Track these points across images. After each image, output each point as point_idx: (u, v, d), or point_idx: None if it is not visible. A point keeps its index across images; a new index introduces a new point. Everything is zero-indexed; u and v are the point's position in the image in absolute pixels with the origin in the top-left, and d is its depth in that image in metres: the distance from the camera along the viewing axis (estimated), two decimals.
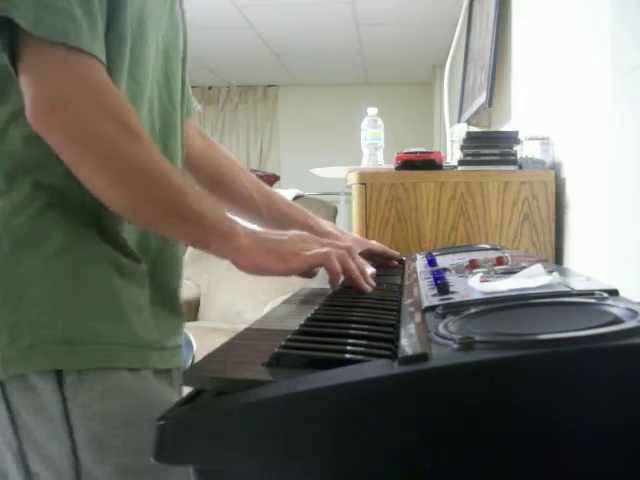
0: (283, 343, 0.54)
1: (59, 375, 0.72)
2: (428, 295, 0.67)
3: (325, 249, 0.80)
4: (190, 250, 0.95)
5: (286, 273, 0.78)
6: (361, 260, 0.94)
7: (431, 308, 0.60)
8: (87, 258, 0.75)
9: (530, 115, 2.15)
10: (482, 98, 2.56)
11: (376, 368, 0.44)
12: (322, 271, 0.82)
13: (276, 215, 1.10)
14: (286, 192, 3.60)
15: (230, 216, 0.78)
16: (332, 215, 3.60)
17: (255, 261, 0.76)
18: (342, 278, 0.83)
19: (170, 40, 0.88)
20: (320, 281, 0.89)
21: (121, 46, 0.76)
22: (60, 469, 0.73)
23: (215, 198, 1.11)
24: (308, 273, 0.81)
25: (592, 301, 0.54)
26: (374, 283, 0.84)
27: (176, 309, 0.88)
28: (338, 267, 0.79)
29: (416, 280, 0.83)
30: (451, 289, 0.67)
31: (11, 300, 0.72)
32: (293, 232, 0.82)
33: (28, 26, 0.67)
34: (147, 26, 0.80)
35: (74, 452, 0.72)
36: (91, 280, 0.75)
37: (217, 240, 0.75)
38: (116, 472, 0.73)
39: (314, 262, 0.79)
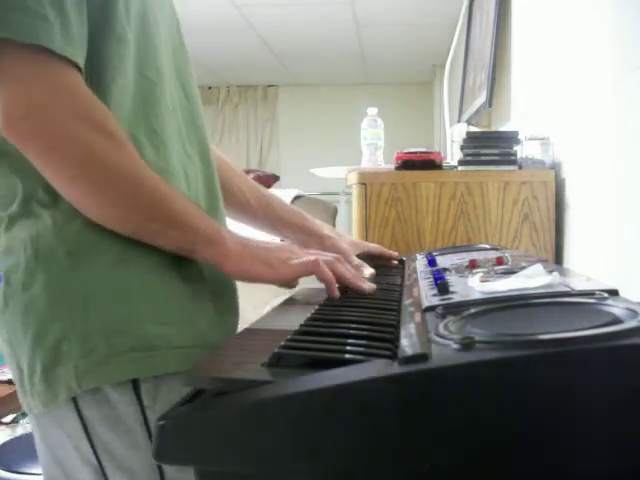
0: (283, 343, 0.54)
1: (135, 384, 0.70)
2: (428, 295, 0.67)
3: (313, 257, 0.79)
4: None
5: (274, 281, 0.77)
6: (358, 261, 0.94)
7: (431, 308, 0.60)
8: (147, 262, 0.74)
9: (530, 115, 2.15)
10: (482, 98, 2.56)
11: (376, 368, 0.44)
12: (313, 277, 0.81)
13: (273, 218, 1.09)
14: (286, 192, 3.59)
15: (215, 221, 0.77)
16: (332, 215, 3.60)
17: (242, 267, 0.75)
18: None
19: (173, 34, 0.86)
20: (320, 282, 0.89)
21: (121, 46, 0.74)
22: None
23: None
24: (290, 284, 0.79)
25: (592, 301, 0.54)
26: (373, 285, 0.83)
27: (233, 306, 0.86)
28: (329, 273, 0.78)
29: (416, 280, 0.83)
30: (451, 289, 0.67)
31: (78, 311, 0.70)
32: (281, 243, 0.82)
33: None
34: (152, 22, 0.79)
35: (156, 463, 0.70)
36: (154, 284, 0.74)
37: (204, 245, 0.74)
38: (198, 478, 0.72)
39: (302, 270, 0.77)
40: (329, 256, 0.81)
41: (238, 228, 0.84)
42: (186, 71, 0.88)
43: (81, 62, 0.69)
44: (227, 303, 0.84)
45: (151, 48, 0.79)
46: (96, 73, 0.72)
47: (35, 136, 0.67)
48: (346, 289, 0.81)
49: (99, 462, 0.71)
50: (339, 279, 0.80)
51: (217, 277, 0.81)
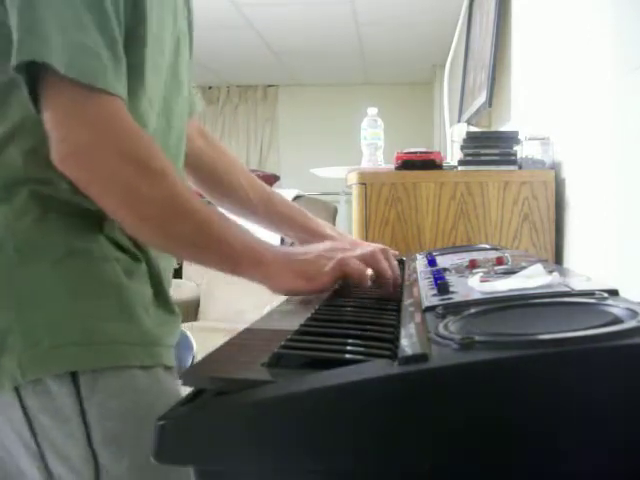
0: (283, 343, 0.54)
1: (74, 376, 0.73)
2: (428, 295, 0.67)
3: (339, 255, 0.82)
4: None
5: (315, 291, 0.80)
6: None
7: (431, 308, 0.60)
8: (94, 259, 0.77)
9: (530, 115, 2.15)
10: (482, 98, 2.56)
11: (376, 368, 0.44)
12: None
13: (274, 215, 1.09)
14: (286, 192, 3.60)
15: (257, 238, 0.80)
16: (332, 215, 3.60)
17: (285, 285, 0.79)
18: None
19: (178, 43, 0.91)
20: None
21: (137, 73, 0.78)
22: (79, 469, 0.74)
23: (215, 198, 1.11)
24: (328, 290, 0.83)
25: (592, 301, 0.54)
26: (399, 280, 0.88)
27: (172, 306, 0.89)
28: (358, 267, 0.81)
29: (416, 280, 0.83)
30: (451, 289, 0.67)
31: (24, 305, 0.73)
32: (322, 247, 0.85)
33: (62, 68, 0.68)
34: (162, 39, 0.83)
35: (92, 451, 0.74)
36: (100, 281, 0.77)
37: (246, 267, 0.78)
38: (134, 468, 0.74)
39: (337, 275, 0.80)
40: (367, 251, 0.86)
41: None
42: (183, 78, 0.94)
43: (125, 97, 0.74)
44: (167, 301, 0.87)
45: (159, 80, 0.84)
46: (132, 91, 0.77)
47: (83, 172, 0.72)
48: (345, 289, 0.82)
49: (39, 448, 0.74)
50: (378, 274, 0.84)
51: (157, 275, 0.84)
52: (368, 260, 0.84)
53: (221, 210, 1.14)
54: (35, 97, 0.71)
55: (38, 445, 0.74)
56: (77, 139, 0.71)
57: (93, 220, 0.77)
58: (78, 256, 0.76)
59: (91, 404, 0.73)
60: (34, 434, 0.74)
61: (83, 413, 0.73)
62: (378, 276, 0.84)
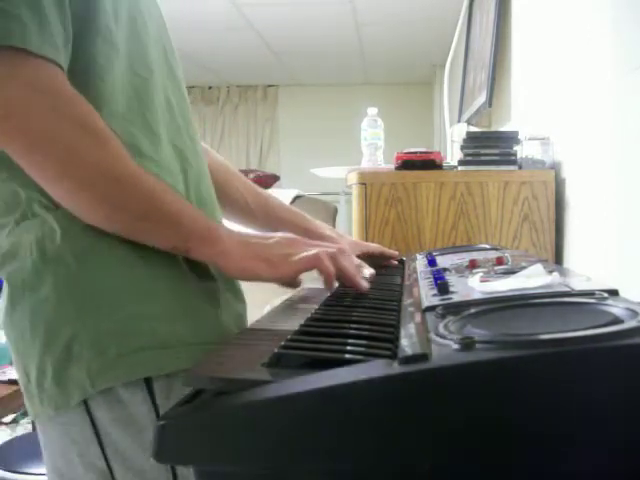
0: (283, 343, 0.54)
1: (147, 383, 0.70)
2: (428, 295, 0.67)
3: (314, 250, 0.76)
4: None
5: (275, 280, 0.75)
6: (358, 260, 0.93)
7: (431, 308, 0.60)
8: (155, 258, 0.73)
9: (530, 115, 2.15)
10: (482, 98, 2.56)
11: (376, 368, 0.44)
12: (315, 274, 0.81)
13: (272, 219, 1.09)
14: (286, 192, 3.59)
15: (211, 219, 0.76)
16: (332, 215, 3.60)
17: (242, 266, 0.73)
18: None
19: (163, 34, 0.86)
20: (320, 281, 0.89)
21: (106, 45, 0.74)
22: None
23: None
24: (294, 282, 0.78)
25: (592, 301, 0.54)
26: (367, 284, 0.82)
27: (240, 293, 0.84)
28: (331, 267, 0.76)
29: (416, 280, 0.83)
30: (451, 289, 0.67)
31: (88, 311, 0.70)
32: (280, 234, 0.79)
33: None
34: (140, 23, 0.79)
35: None
36: (163, 281, 0.73)
37: (198, 244, 0.72)
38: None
39: (304, 266, 0.75)
40: (333, 248, 0.79)
41: (236, 228, 0.83)
42: (178, 71, 0.88)
43: (61, 60, 0.69)
44: (235, 293, 0.83)
45: (141, 47, 0.79)
46: (83, 72, 0.72)
47: (16, 136, 0.66)
48: (346, 289, 0.81)
49: (108, 465, 0.71)
50: (340, 272, 0.78)
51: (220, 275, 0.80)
52: (331, 258, 0.78)
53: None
54: None
55: (107, 461, 0.70)
56: (8, 103, 0.65)
57: None
58: (138, 257, 0.72)
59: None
60: (103, 449, 0.70)
61: None
62: (339, 275, 0.78)
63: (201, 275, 0.77)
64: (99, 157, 0.68)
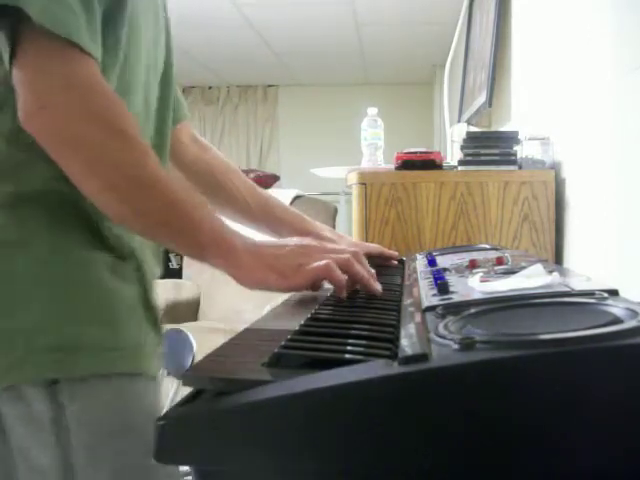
0: (283, 343, 0.54)
1: (52, 383, 0.69)
2: (428, 295, 0.67)
3: (324, 261, 0.76)
4: None
5: (287, 290, 0.76)
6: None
7: (431, 308, 0.60)
8: (77, 259, 0.73)
9: (530, 115, 2.15)
10: (482, 98, 2.56)
11: (376, 368, 0.44)
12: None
13: (271, 219, 1.09)
14: (286, 192, 3.60)
15: (229, 227, 0.76)
16: (332, 215, 3.60)
17: (254, 277, 0.73)
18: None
19: (151, 42, 0.85)
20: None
21: (116, 47, 0.74)
22: None
23: (212, 204, 1.09)
24: (313, 287, 0.77)
25: (592, 301, 0.54)
26: (380, 287, 0.81)
27: (157, 312, 0.84)
28: (341, 277, 0.75)
29: (416, 280, 0.83)
30: (451, 289, 0.67)
31: (3, 308, 0.70)
32: (294, 242, 0.79)
33: (35, 15, 0.64)
34: (137, 26, 0.79)
35: (67, 461, 0.70)
36: (83, 282, 0.73)
37: (214, 253, 0.73)
38: (111, 479, 0.71)
39: (315, 277, 0.75)
40: (345, 255, 0.79)
41: (237, 229, 0.83)
42: (153, 86, 0.87)
43: (99, 58, 0.70)
44: (153, 304, 0.83)
45: (132, 58, 0.79)
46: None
47: (50, 131, 0.67)
48: (356, 291, 0.81)
49: (12, 459, 0.71)
50: (354, 278, 0.78)
51: (145, 276, 0.80)
52: (342, 266, 0.77)
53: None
54: (13, 55, 0.66)
55: (12, 456, 0.71)
56: (47, 95, 0.66)
57: (78, 216, 0.73)
58: (58, 255, 0.72)
59: (69, 413, 0.69)
60: (8, 444, 0.71)
61: (59, 422, 0.69)
62: (354, 281, 0.78)
63: (123, 279, 0.76)
64: (125, 160, 0.69)
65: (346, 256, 0.78)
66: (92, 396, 0.71)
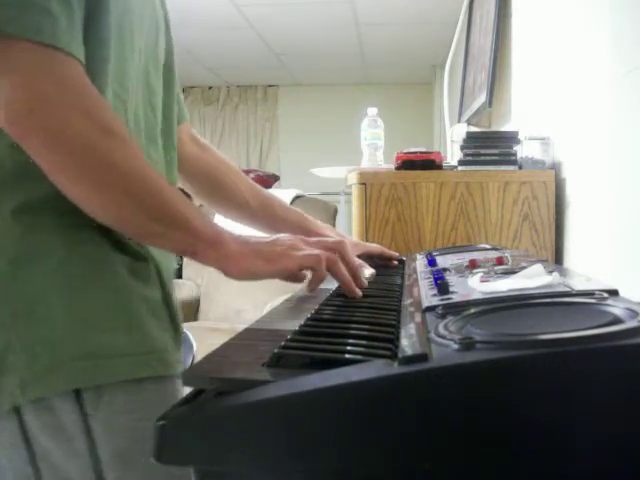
0: (283, 343, 0.54)
1: (78, 392, 0.69)
2: (428, 295, 0.67)
3: (316, 251, 0.77)
4: None
5: (274, 274, 0.76)
6: (358, 261, 0.93)
7: (431, 308, 0.60)
8: (93, 265, 0.72)
9: (530, 115, 2.15)
10: (482, 98, 2.56)
11: (376, 368, 0.44)
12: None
13: (272, 219, 1.09)
14: (286, 192, 3.60)
15: (217, 223, 0.76)
16: (332, 215, 3.60)
17: (242, 265, 0.73)
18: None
19: (150, 43, 0.84)
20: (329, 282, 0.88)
21: (103, 50, 0.73)
22: None
23: (213, 204, 1.09)
24: (296, 277, 0.78)
25: (592, 301, 0.54)
26: (366, 283, 0.82)
27: (178, 312, 0.84)
28: (323, 273, 0.77)
29: (416, 280, 0.83)
30: (451, 289, 0.67)
31: (21, 319, 0.68)
32: (282, 235, 0.80)
33: (7, 26, 0.63)
34: (128, 29, 0.78)
35: (97, 470, 0.69)
36: (104, 287, 0.72)
37: (205, 247, 0.72)
38: None
39: (304, 263, 0.76)
40: (333, 249, 0.79)
41: (237, 229, 0.83)
42: (157, 90, 0.86)
43: (82, 57, 0.69)
44: (177, 310, 0.83)
45: (123, 63, 0.77)
46: None
47: (37, 132, 0.65)
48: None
49: (37, 472, 0.70)
50: (336, 277, 0.79)
51: (164, 275, 0.80)
52: (329, 263, 0.78)
53: (219, 215, 1.14)
54: None
55: (37, 467, 0.70)
56: (31, 97, 0.64)
57: (91, 222, 0.72)
58: (75, 261, 0.71)
59: (97, 421, 0.69)
60: (33, 456, 0.70)
61: (88, 431, 0.69)
62: (336, 279, 0.79)
63: (143, 281, 0.76)
64: (118, 159, 0.68)
65: (333, 256, 0.78)
66: (121, 403, 0.70)
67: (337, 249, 0.81)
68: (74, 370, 0.68)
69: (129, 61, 0.78)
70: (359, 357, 0.48)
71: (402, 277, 0.97)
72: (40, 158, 0.67)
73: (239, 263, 0.73)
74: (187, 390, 0.67)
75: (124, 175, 0.68)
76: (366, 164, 2.06)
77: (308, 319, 0.66)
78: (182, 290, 3.53)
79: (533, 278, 0.64)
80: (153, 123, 0.85)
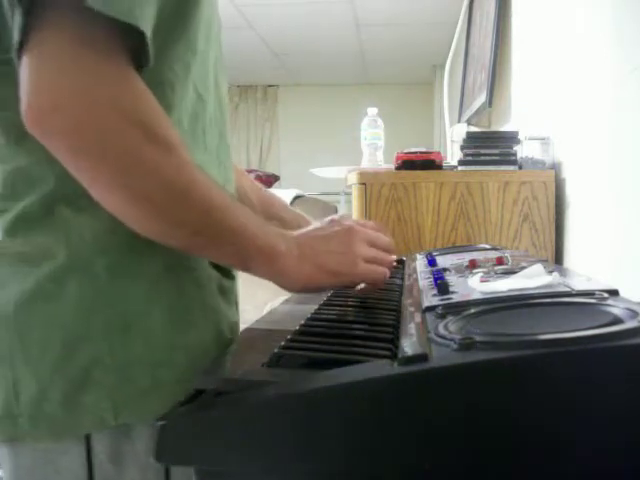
0: (283, 343, 0.54)
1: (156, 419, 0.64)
2: (428, 295, 0.67)
3: (381, 269, 0.72)
4: None
5: (336, 287, 0.73)
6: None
7: (431, 308, 0.60)
8: (193, 277, 0.67)
9: (530, 115, 2.15)
10: (482, 98, 2.56)
11: (376, 368, 0.44)
12: None
13: (275, 219, 1.09)
14: (286, 192, 3.59)
15: (272, 229, 0.68)
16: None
17: (301, 282, 0.67)
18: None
19: (216, 33, 0.77)
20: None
21: (188, 53, 0.67)
22: None
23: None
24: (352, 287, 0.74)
25: (592, 301, 0.54)
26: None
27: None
28: (379, 287, 0.74)
29: (416, 280, 0.83)
30: (451, 289, 0.67)
31: (117, 332, 0.62)
32: (336, 228, 0.72)
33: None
34: (215, 29, 0.72)
35: None
36: (201, 303, 0.67)
37: (258, 262, 0.64)
38: None
39: (366, 279, 0.72)
40: (387, 265, 0.75)
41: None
42: (223, 85, 0.80)
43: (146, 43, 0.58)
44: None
45: (205, 62, 0.71)
46: (156, 76, 0.63)
47: (65, 135, 0.55)
48: (343, 289, 0.80)
49: None
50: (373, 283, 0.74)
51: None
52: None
53: None
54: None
55: None
56: (60, 89, 0.54)
57: None
58: (177, 273, 0.65)
59: None
60: None
61: None
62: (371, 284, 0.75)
63: (228, 300, 0.72)
64: (160, 166, 0.58)
65: (387, 271, 0.74)
66: None
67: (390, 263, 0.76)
68: (175, 393, 0.58)
69: (209, 57, 0.72)
70: (359, 357, 0.48)
71: (402, 277, 0.97)
72: (69, 165, 0.58)
73: (299, 279, 0.67)
74: None
75: (166, 185, 0.59)
76: (366, 164, 2.06)
77: (308, 319, 0.66)
78: None
79: (533, 278, 0.64)
80: (221, 121, 0.78)
